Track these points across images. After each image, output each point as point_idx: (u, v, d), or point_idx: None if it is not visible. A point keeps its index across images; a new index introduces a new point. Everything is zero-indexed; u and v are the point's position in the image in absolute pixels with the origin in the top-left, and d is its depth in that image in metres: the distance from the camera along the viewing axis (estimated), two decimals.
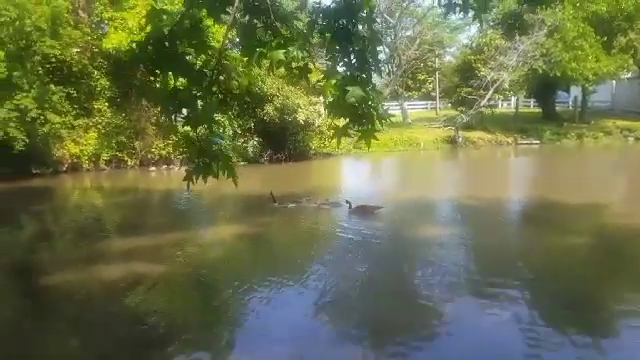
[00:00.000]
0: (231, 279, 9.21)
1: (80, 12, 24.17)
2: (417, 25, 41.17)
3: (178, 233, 12.23)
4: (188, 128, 3.83)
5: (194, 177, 3.83)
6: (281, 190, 16.10)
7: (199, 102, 3.72)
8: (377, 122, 3.87)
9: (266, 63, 3.68)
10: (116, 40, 22.61)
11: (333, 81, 3.86)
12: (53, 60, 22.12)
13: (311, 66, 3.79)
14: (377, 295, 8.16)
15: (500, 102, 40.54)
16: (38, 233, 13.42)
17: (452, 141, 33.40)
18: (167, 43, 3.55)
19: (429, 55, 46.20)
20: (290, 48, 3.57)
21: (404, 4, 38.37)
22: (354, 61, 3.85)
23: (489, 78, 32.72)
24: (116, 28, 23.28)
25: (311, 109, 25.50)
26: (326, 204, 14.41)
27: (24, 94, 20.10)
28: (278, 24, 3.61)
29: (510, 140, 34.93)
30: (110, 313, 7.67)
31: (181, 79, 3.71)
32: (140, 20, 21.31)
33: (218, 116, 20.17)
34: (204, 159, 3.81)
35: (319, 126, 26.41)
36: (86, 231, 13.15)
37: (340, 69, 3.93)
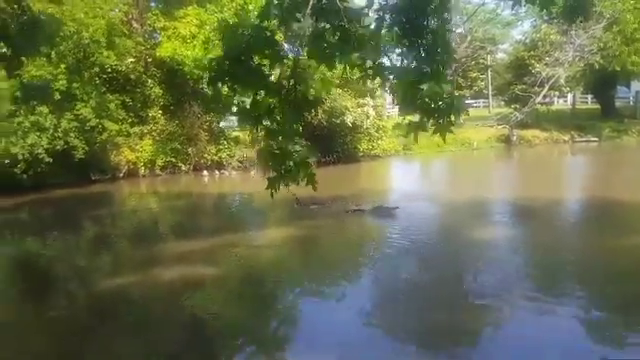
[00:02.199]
0: (283, 281, 9.30)
1: (134, 23, 24.86)
2: (467, 22, 40.27)
3: (230, 235, 12.43)
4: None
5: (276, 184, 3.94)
6: (324, 193, 16.05)
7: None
8: (453, 115, 3.73)
9: (340, 67, 3.60)
10: (169, 49, 23.12)
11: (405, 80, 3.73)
12: (109, 70, 22.81)
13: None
14: (425, 298, 8.03)
15: (555, 99, 39.17)
16: (98, 237, 13.91)
17: (506, 140, 32.53)
18: (243, 57, 3.53)
19: (480, 52, 45.15)
20: (365, 50, 3.48)
21: (453, 1, 37.71)
22: (424, 55, 3.71)
23: (544, 74, 31.68)
24: (169, 37, 23.81)
25: (359, 111, 25.37)
26: (356, 208, 14.17)
27: (83, 104, 20.79)
28: (348, 25, 3.47)
29: (567, 138, 33.69)
30: (169, 314, 7.85)
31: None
32: (191, 29, 21.77)
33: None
34: (286, 166, 3.84)
35: (367, 128, 26.23)
36: (144, 234, 13.54)
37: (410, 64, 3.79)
